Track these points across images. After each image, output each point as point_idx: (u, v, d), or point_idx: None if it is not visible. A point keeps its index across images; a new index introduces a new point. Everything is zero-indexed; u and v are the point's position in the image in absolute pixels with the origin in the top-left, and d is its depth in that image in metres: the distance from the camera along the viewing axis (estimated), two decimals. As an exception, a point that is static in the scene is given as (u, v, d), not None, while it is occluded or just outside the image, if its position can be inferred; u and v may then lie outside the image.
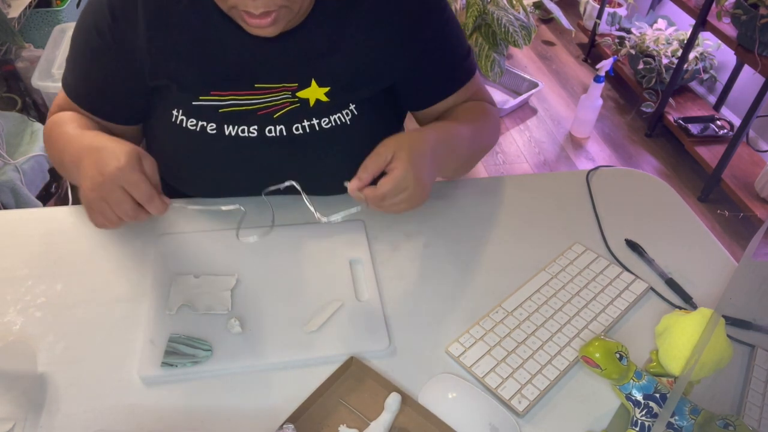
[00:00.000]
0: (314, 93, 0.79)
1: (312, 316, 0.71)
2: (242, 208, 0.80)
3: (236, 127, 0.79)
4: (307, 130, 0.80)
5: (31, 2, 1.86)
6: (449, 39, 0.85)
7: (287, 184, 0.80)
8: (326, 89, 0.79)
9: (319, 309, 0.72)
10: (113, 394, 0.63)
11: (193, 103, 0.78)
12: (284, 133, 0.80)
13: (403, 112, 0.95)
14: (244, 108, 0.78)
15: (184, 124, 0.79)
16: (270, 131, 0.80)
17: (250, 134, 0.79)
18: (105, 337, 0.69)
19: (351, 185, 0.71)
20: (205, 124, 0.79)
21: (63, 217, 0.84)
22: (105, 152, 0.67)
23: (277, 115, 0.79)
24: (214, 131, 0.79)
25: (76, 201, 1.85)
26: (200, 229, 0.82)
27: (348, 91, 0.80)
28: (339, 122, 0.81)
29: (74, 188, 1.88)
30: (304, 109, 0.80)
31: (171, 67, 0.77)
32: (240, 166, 0.82)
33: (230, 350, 0.67)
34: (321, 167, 0.84)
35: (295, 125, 0.80)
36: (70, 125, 0.78)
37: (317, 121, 0.80)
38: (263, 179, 0.82)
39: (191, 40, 0.76)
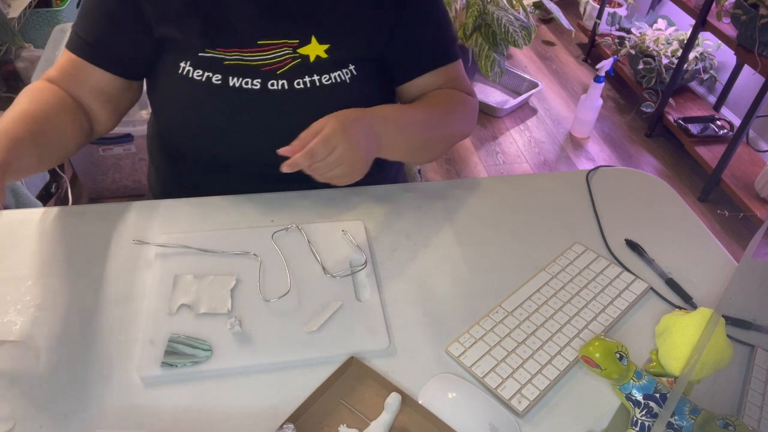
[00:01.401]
0: (314, 49, 0.83)
1: (312, 316, 0.71)
2: (256, 254, 0.79)
3: (240, 79, 0.82)
4: (308, 85, 0.84)
5: (31, 2, 1.86)
6: (435, 16, 0.90)
7: (291, 226, 0.83)
8: (326, 46, 0.83)
9: (319, 309, 0.72)
10: (113, 394, 0.63)
11: (200, 54, 0.82)
12: (286, 87, 0.83)
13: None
14: (248, 63, 0.82)
15: (190, 75, 0.82)
16: (272, 84, 0.83)
17: (254, 86, 0.83)
18: (105, 337, 0.69)
19: (282, 150, 0.70)
20: (210, 75, 0.82)
21: (63, 217, 0.84)
22: None
23: (280, 71, 0.83)
24: (219, 82, 0.82)
25: (77, 201, 1.85)
26: (200, 229, 0.82)
27: (346, 50, 0.84)
28: (339, 80, 0.85)
29: (74, 188, 1.89)
30: (305, 65, 0.83)
31: (176, 21, 0.81)
32: (242, 118, 0.85)
33: (230, 350, 0.67)
34: None
35: (297, 80, 0.84)
36: (21, 103, 0.77)
37: (318, 76, 0.84)
38: (264, 132, 0.86)
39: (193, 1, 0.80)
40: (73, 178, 1.94)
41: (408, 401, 0.63)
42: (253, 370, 0.66)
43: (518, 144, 2.57)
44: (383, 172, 1.00)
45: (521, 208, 0.91)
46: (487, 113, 2.72)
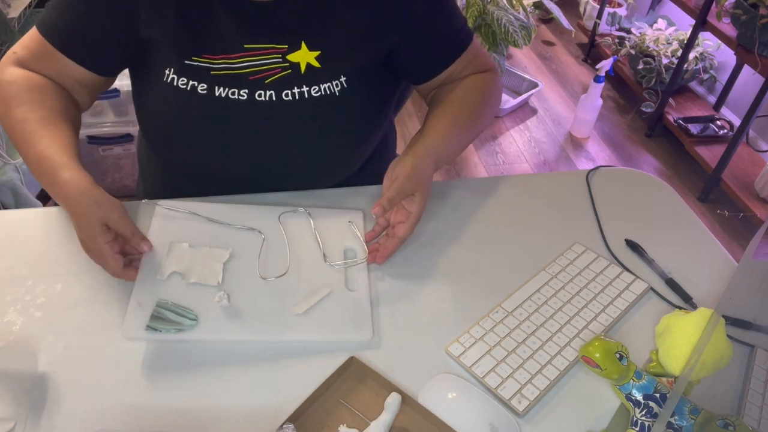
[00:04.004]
0: (305, 56, 0.80)
1: (300, 299, 0.71)
2: (261, 232, 0.79)
3: (227, 89, 0.80)
4: (296, 97, 0.81)
5: (31, 2, 1.86)
6: (444, 12, 0.86)
7: (300, 210, 0.83)
8: (317, 53, 0.80)
9: (308, 293, 0.72)
10: (113, 394, 0.63)
11: (185, 61, 0.78)
12: (273, 98, 0.81)
13: (395, 90, 0.96)
14: (235, 71, 0.79)
15: (175, 83, 0.79)
16: (260, 95, 0.80)
17: (240, 97, 0.80)
18: (105, 337, 0.69)
19: (375, 211, 0.75)
20: (195, 84, 0.79)
21: (63, 217, 0.84)
22: (74, 215, 0.70)
23: (268, 80, 0.80)
24: (205, 92, 0.79)
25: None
26: (204, 200, 0.83)
27: (339, 57, 0.81)
28: (328, 92, 0.81)
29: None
30: (296, 76, 0.80)
31: (163, 25, 0.77)
32: (229, 129, 0.82)
33: (215, 322, 0.67)
34: (307, 136, 0.84)
35: (285, 91, 0.81)
36: (23, 112, 0.76)
37: (307, 88, 0.81)
38: (253, 143, 0.84)
39: (181, 5, 0.77)
40: (73, 178, 1.94)
41: (408, 401, 0.63)
42: (235, 345, 0.67)
43: (518, 144, 2.57)
44: (383, 172, 1.00)
45: (521, 208, 0.91)
46: (487, 113, 2.72)
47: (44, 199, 1.61)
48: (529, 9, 2.48)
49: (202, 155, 0.86)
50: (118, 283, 0.75)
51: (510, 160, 2.47)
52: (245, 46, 0.79)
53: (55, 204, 0.82)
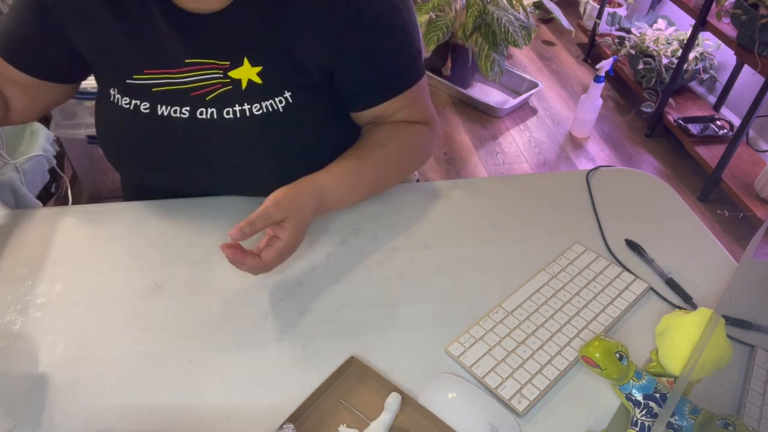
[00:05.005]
0: (246, 73, 0.78)
1: None
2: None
3: (169, 107, 0.79)
4: (238, 115, 0.79)
5: (31, 2, 1.86)
6: (389, 45, 0.81)
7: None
8: (258, 68, 0.77)
9: None
10: (113, 394, 0.63)
11: (127, 81, 0.79)
12: (215, 116, 0.79)
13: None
14: (177, 87, 0.78)
15: (119, 103, 0.80)
16: (201, 113, 0.79)
17: (182, 115, 0.79)
18: (105, 337, 0.69)
19: (232, 233, 0.66)
20: (138, 102, 0.79)
21: (63, 217, 0.84)
22: None
23: (209, 97, 0.78)
24: (147, 110, 0.79)
25: (77, 201, 1.85)
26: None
27: (281, 74, 0.78)
28: (271, 109, 0.79)
29: (74, 188, 1.89)
30: (237, 92, 0.78)
31: (101, 47, 0.78)
32: (172, 148, 0.81)
33: None
34: (252, 156, 0.82)
35: (227, 109, 0.79)
36: None
37: (249, 106, 0.78)
38: (195, 163, 0.83)
39: (121, 20, 0.76)
40: (73, 178, 1.94)
41: (408, 401, 0.63)
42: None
43: (518, 144, 2.57)
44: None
45: (521, 208, 0.91)
46: (487, 113, 2.72)
47: (44, 199, 1.61)
48: (529, 9, 2.48)
49: (149, 173, 0.85)
50: (119, 283, 0.75)
51: (510, 160, 2.47)
52: (186, 60, 0.77)
53: (55, 204, 0.82)
